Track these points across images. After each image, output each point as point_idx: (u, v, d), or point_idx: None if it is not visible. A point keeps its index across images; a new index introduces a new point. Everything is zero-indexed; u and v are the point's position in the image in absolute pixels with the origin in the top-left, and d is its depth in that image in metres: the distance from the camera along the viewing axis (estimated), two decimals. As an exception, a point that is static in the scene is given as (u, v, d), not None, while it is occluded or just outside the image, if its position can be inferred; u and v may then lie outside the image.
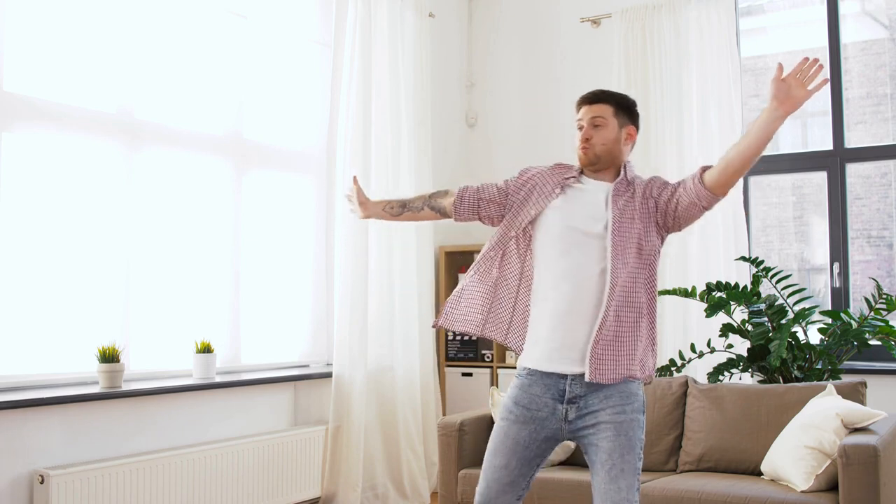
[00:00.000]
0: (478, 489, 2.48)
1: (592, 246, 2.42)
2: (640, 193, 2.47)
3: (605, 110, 2.54)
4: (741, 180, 4.66)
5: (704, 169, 2.41)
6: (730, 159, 2.33)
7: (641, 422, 2.39)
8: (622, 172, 2.51)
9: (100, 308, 3.58)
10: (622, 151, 2.54)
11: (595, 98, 2.57)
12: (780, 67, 2.31)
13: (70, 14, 3.53)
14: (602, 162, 2.52)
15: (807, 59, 2.29)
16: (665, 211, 2.45)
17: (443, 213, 2.69)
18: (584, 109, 2.58)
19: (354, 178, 2.87)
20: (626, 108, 2.57)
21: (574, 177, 2.55)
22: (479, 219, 2.68)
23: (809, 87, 2.28)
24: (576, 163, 2.59)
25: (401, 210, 2.74)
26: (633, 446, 2.35)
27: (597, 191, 2.50)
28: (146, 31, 3.79)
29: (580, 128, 2.57)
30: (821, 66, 2.29)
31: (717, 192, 2.38)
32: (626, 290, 2.39)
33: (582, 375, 2.36)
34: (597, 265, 2.40)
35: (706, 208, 2.41)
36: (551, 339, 2.41)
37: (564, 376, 2.39)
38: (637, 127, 2.60)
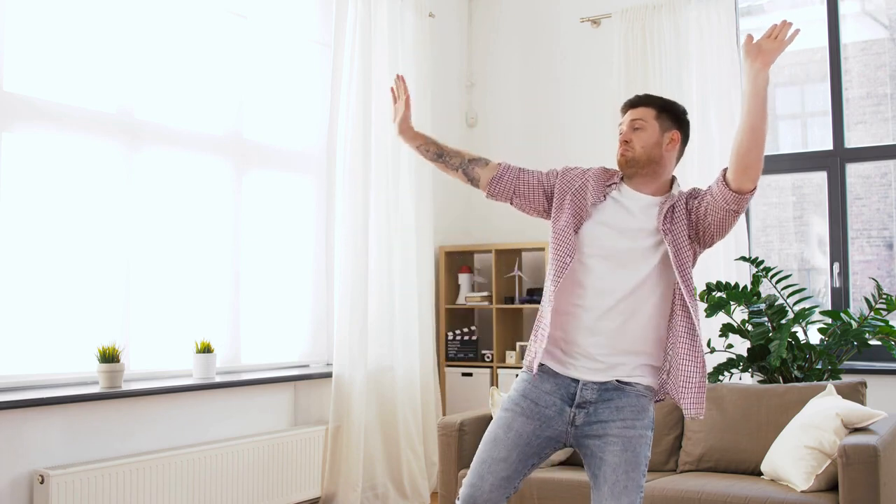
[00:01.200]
0: (467, 481, 2.35)
1: (638, 261, 2.33)
2: (680, 208, 2.37)
3: (647, 113, 2.47)
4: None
5: (725, 170, 2.30)
6: (738, 142, 2.22)
7: (649, 438, 2.33)
8: (671, 193, 2.40)
9: (100, 308, 3.58)
10: (664, 157, 2.42)
11: (638, 101, 2.52)
12: (750, 37, 2.24)
13: (70, 14, 3.53)
14: (640, 165, 2.41)
15: (775, 25, 2.24)
16: (697, 223, 2.35)
17: (475, 184, 2.56)
18: (627, 114, 2.52)
19: (400, 76, 2.67)
20: (670, 112, 2.48)
21: (615, 184, 2.44)
22: (511, 203, 2.55)
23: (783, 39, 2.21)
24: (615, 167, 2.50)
25: (436, 157, 2.60)
26: (638, 463, 2.29)
27: (644, 204, 2.40)
28: (146, 31, 3.79)
29: (620, 133, 2.49)
30: (789, 25, 2.23)
31: (743, 188, 2.25)
32: (681, 312, 2.32)
33: (594, 382, 2.30)
34: (640, 281, 2.32)
35: (737, 212, 2.29)
36: (575, 345, 2.34)
37: (577, 381, 2.33)
38: (684, 134, 2.49)
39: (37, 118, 3.39)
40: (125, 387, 3.45)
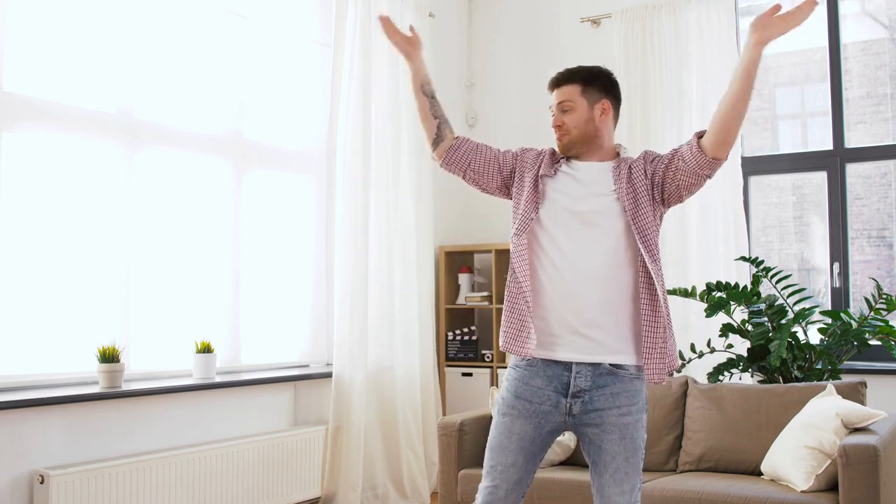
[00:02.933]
0: (483, 488, 2.36)
1: (601, 225, 2.34)
2: (638, 172, 2.39)
3: (573, 91, 2.47)
4: (742, 180, 4.68)
5: (699, 135, 2.31)
6: (722, 111, 2.22)
7: (644, 420, 2.34)
8: (618, 158, 2.43)
9: (100, 308, 3.58)
10: (599, 129, 2.44)
11: (561, 79, 2.51)
12: (777, 7, 2.19)
13: (70, 14, 3.53)
14: (579, 144, 2.43)
15: (800, 8, 2.18)
16: (663, 184, 2.38)
17: (436, 143, 2.55)
18: (553, 94, 2.51)
19: (412, 28, 2.70)
20: (595, 83, 2.49)
21: (563, 159, 2.46)
22: (464, 177, 2.54)
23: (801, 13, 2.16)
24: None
25: (431, 95, 2.63)
26: (637, 448, 2.31)
27: (594, 171, 2.41)
28: (146, 31, 3.79)
29: (552, 113, 2.50)
30: (815, 4, 2.16)
31: (718, 155, 2.28)
32: (643, 274, 2.32)
33: (587, 365, 2.27)
34: (607, 248, 2.33)
35: (709, 176, 2.35)
36: (557, 322, 2.31)
37: (569, 366, 2.29)
38: (614, 98, 2.49)
39: (37, 118, 3.39)
40: (125, 387, 3.44)
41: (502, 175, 2.51)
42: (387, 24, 2.60)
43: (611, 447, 2.28)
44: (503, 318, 2.38)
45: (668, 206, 2.46)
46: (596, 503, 2.34)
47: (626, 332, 2.32)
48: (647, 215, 2.37)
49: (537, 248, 2.36)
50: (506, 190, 2.51)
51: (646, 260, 2.32)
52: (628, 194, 2.35)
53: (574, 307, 2.30)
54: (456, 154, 2.53)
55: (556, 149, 2.48)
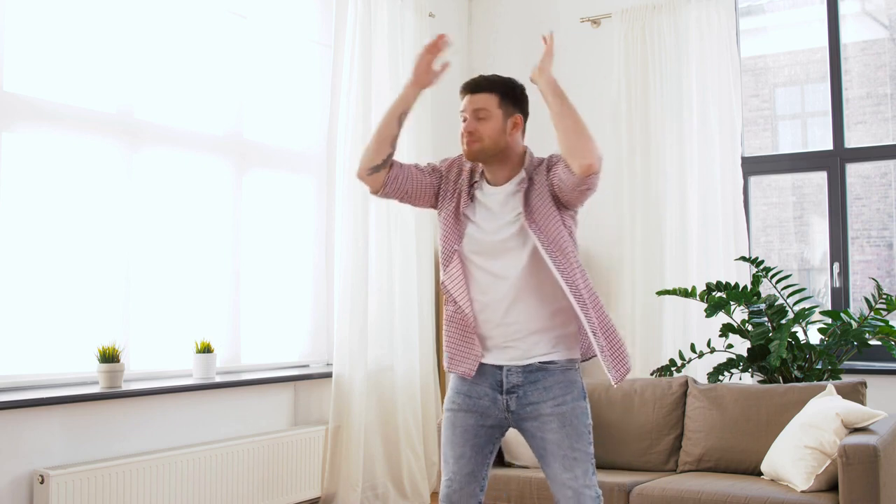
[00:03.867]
0: (442, 481, 2.49)
1: (515, 249, 2.39)
2: (540, 185, 2.42)
3: (490, 101, 2.47)
4: (741, 180, 4.68)
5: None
6: (557, 136, 2.35)
7: (584, 407, 2.40)
8: (522, 172, 2.45)
9: (100, 308, 3.58)
10: (509, 143, 2.47)
11: (478, 86, 2.50)
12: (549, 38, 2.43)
13: (70, 14, 3.53)
14: (488, 155, 2.45)
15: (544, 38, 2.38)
16: (557, 195, 2.41)
17: (374, 167, 2.55)
18: (466, 99, 2.49)
19: (446, 64, 2.58)
20: (512, 96, 2.51)
21: (477, 182, 2.49)
22: (400, 201, 2.59)
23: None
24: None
25: (398, 129, 2.58)
26: (581, 434, 2.37)
27: (503, 196, 2.44)
28: (146, 31, 3.79)
29: (463, 119, 2.48)
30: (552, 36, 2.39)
31: (585, 171, 2.30)
32: (549, 282, 2.37)
33: (517, 366, 2.38)
34: (521, 266, 2.39)
35: (591, 190, 2.35)
36: (487, 338, 2.42)
37: (500, 367, 2.40)
38: (525, 114, 2.53)
39: (37, 118, 3.39)
40: (125, 387, 3.44)
41: (434, 194, 2.55)
42: (433, 48, 2.56)
43: (553, 436, 2.36)
44: (444, 338, 2.49)
45: (574, 209, 2.49)
46: (553, 492, 2.39)
47: (557, 336, 2.41)
48: (554, 228, 2.39)
49: (465, 271, 2.44)
50: (436, 204, 2.56)
51: (555, 273, 2.36)
52: (534, 216, 2.39)
53: (501, 324, 2.40)
54: (393, 185, 2.53)
55: (464, 156, 2.48)
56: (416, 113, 4.91)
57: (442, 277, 2.47)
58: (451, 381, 2.51)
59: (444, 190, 2.53)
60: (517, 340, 2.39)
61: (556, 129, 2.34)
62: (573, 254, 2.40)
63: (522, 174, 2.46)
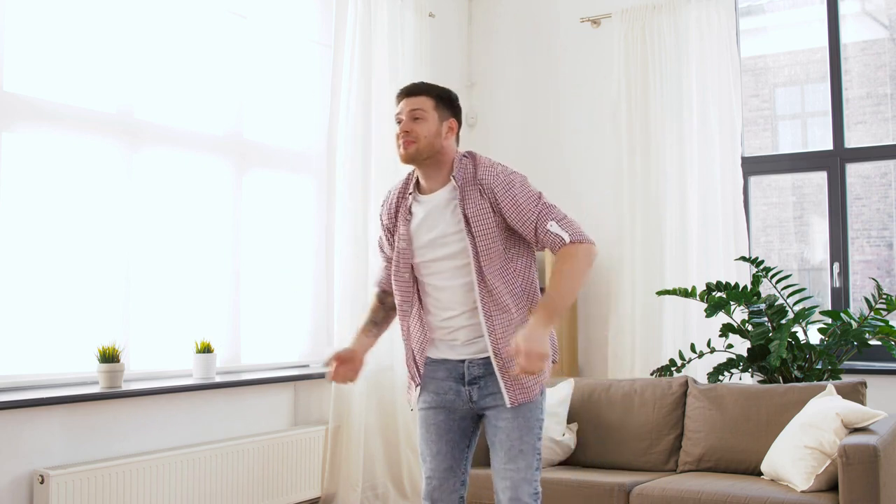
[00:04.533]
0: (423, 479, 2.56)
1: (456, 259, 2.45)
2: (473, 200, 2.43)
3: (425, 103, 2.49)
4: (741, 180, 4.68)
5: (560, 245, 2.39)
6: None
7: (540, 403, 2.47)
8: (452, 180, 2.46)
9: (100, 308, 3.58)
10: (444, 147, 2.48)
11: (415, 90, 2.52)
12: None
13: (70, 14, 3.53)
14: (423, 157, 2.46)
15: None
16: (505, 221, 2.44)
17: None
18: (402, 102, 2.52)
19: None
20: (447, 101, 2.52)
21: (412, 193, 2.53)
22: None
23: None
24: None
25: (375, 328, 2.71)
26: (531, 427, 2.42)
27: (440, 206, 2.48)
28: (146, 31, 3.79)
29: (399, 121, 2.51)
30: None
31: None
32: (496, 288, 2.41)
33: (478, 359, 2.45)
34: (465, 276, 2.44)
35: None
36: (444, 338, 2.52)
37: (462, 360, 2.49)
38: (459, 120, 2.56)
39: (37, 118, 3.39)
40: (125, 387, 3.44)
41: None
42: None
43: (505, 425, 2.42)
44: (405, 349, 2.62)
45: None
46: (494, 483, 2.44)
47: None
48: (489, 243, 2.41)
49: (417, 283, 2.55)
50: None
51: (479, 290, 2.41)
52: (470, 227, 2.42)
53: (460, 328, 2.48)
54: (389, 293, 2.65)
55: (400, 159, 2.50)
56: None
57: (394, 289, 2.57)
58: (423, 380, 2.58)
59: (393, 226, 2.58)
60: (477, 338, 2.46)
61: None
62: (511, 270, 2.44)
63: (452, 182, 2.47)
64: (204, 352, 3.78)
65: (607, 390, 3.95)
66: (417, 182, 2.55)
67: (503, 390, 2.42)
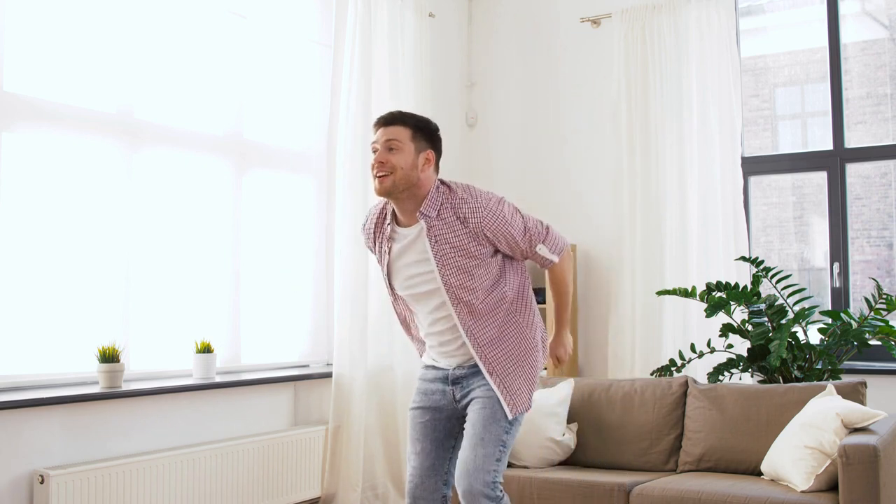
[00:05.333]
0: (407, 478, 2.68)
1: (434, 296, 2.56)
2: (468, 226, 2.48)
3: (402, 133, 2.49)
4: (741, 180, 4.69)
5: (550, 263, 2.63)
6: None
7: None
8: (423, 216, 2.50)
9: (100, 308, 3.58)
10: (420, 179, 2.49)
11: (392, 120, 2.53)
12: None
13: (70, 14, 3.53)
14: (399, 190, 2.48)
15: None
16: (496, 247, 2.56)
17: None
18: (379, 132, 2.53)
19: None
20: (424, 132, 2.53)
21: (389, 224, 2.60)
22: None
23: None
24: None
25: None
26: (497, 419, 2.49)
27: (412, 236, 2.54)
28: (146, 31, 3.79)
29: (374, 150, 2.52)
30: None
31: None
32: (479, 309, 2.53)
33: (463, 365, 2.60)
34: (444, 308, 2.56)
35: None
36: (434, 347, 2.68)
37: (447, 369, 2.66)
38: (437, 152, 2.56)
39: (37, 118, 3.39)
40: (125, 387, 3.44)
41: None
42: None
43: (473, 415, 2.52)
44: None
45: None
46: (455, 475, 2.51)
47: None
48: (464, 274, 2.49)
49: (405, 307, 2.76)
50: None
51: (455, 318, 2.54)
52: (439, 258, 2.50)
53: (451, 350, 2.63)
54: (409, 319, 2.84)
55: (376, 193, 2.53)
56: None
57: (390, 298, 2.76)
58: (417, 383, 2.75)
59: (376, 250, 2.69)
60: (461, 354, 2.62)
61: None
62: (500, 285, 2.56)
63: (423, 214, 2.51)
64: (204, 352, 3.78)
65: (607, 390, 3.95)
66: (395, 212, 2.58)
67: (502, 401, 2.52)
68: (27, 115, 3.35)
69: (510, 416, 2.49)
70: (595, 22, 5.24)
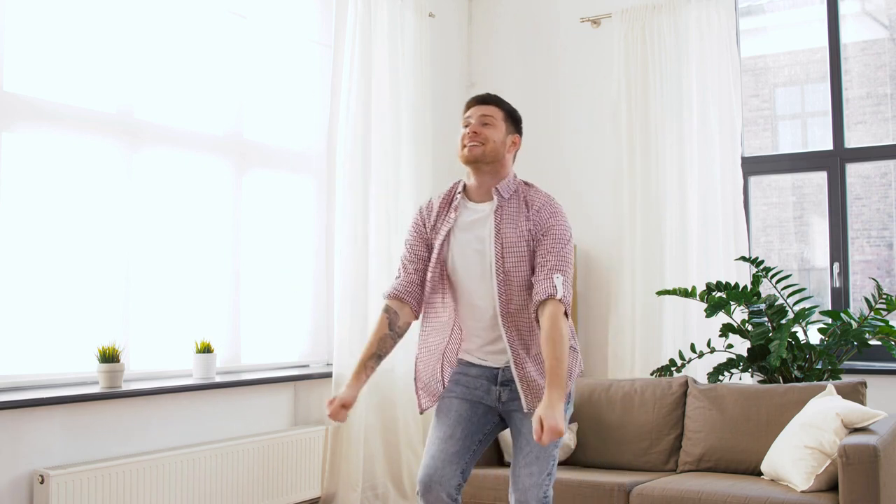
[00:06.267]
0: (422, 464, 2.57)
1: (483, 271, 2.53)
2: (534, 220, 2.52)
3: (496, 112, 2.59)
4: (742, 180, 4.69)
5: (543, 303, 2.43)
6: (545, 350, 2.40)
7: (565, 412, 2.49)
8: (497, 192, 2.55)
9: (100, 308, 3.58)
10: (505, 158, 2.59)
11: (487, 99, 2.62)
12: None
13: (70, 14, 3.53)
14: (486, 161, 2.55)
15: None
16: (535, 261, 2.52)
17: (407, 327, 2.67)
18: (473, 108, 2.61)
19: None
20: (514, 118, 2.63)
21: (457, 196, 2.62)
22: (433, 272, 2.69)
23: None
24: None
25: (378, 361, 2.63)
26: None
27: (482, 215, 2.57)
28: (146, 31, 3.79)
29: (466, 125, 2.59)
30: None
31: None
32: (521, 303, 2.50)
33: (510, 366, 2.54)
34: (490, 287, 2.53)
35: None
36: (482, 347, 2.62)
37: (497, 367, 2.60)
38: (520, 139, 2.66)
39: (37, 118, 3.39)
40: (125, 387, 3.44)
41: (428, 247, 2.68)
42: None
43: (528, 431, 2.48)
44: (419, 359, 2.71)
45: None
46: (510, 484, 2.51)
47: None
48: (516, 258, 2.51)
49: (454, 293, 2.63)
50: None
51: (499, 302, 2.51)
52: (501, 240, 2.52)
53: (494, 348, 2.60)
54: (420, 303, 2.67)
55: (464, 160, 2.58)
56: (418, 135, 4.92)
57: (428, 293, 2.63)
58: (452, 375, 2.67)
59: (432, 230, 2.66)
60: (501, 354, 2.59)
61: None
62: (525, 283, 2.51)
63: (495, 197, 2.57)
64: (204, 352, 3.78)
65: (607, 390, 3.95)
66: (465, 190, 2.63)
67: (521, 397, 2.52)
68: (27, 115, 3.35)
69: (525, 409, 2.52)
70: (595, 22, 5.24)
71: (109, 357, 3.37)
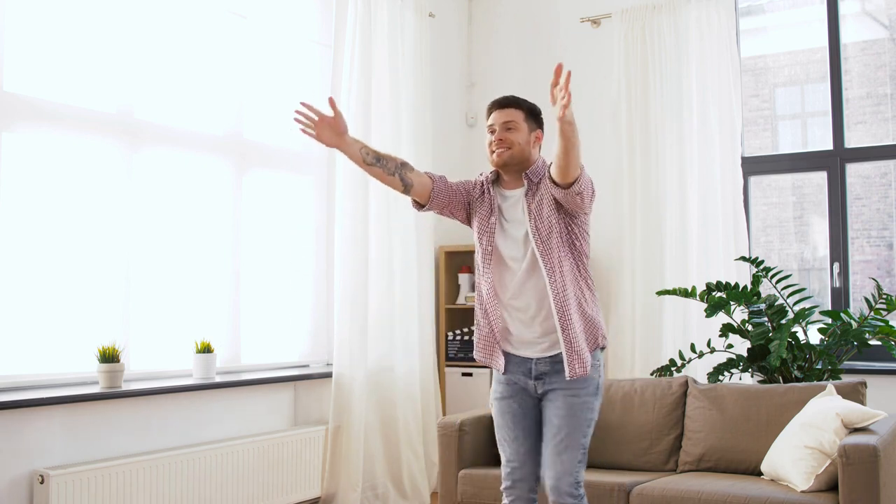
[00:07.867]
0: (504, 462, 2.76)
1: (528, 256, 2.66)
2: (544, 192, 2.67)
3: (517, 115, 2.73)
4: (742, 180, 4.69)
5: (549, 172, 2.63)
6: (556, 155, 2.52)
7: (592, 403, 2.69)
8: (527, 177, 2.71)
9: (100, 308, 3.58)
10: (531, 154, 2.74)
11: (507, 103, 2.75)
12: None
13: (70, 14, 3.53)
14: (514, 163, 2.71)
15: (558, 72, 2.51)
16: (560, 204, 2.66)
17: (407, 190, 2.76)
18: (495, 114, 2.75)
19: (331, 99, 2.92)
20: (534, 115, 2.78)
21: (491, 185, 2.78)
22: (440, 213, 2.85)
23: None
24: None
25: (374, 161, 2.75)
26: (580, 425, 2.64)
27: (514, 199, 2.73)
28: (146, 31, 3.79)
29: (492, 131, 2.73)
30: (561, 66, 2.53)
31: (568, 181, 2.55)
32: (563, 285, 2.62)
33: (545, 357, 2.67)
34: (535, 272, 2.65)
35: (580, 193, 2.59)
36: (516, 335, 2.73)
37: (530, 358, 2.71)
38: (543, 133, 2.80)
39: (37, 118, 3.39)
40: (125, 387, 3.44)
41: (466, 209, 2.83)
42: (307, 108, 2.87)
43: (558, 421, 2.65)
44: (476, 335, 2.80)
45: (580, 217, 2.72)
46: (542, 469, 2.69)
47: (579, 329, 2.65)
48: (546, 229, 2.65)
49: (496, 275, 2.73)
50: (468, 220, 2.85)
51: (547, 280, 2.63)
52: (533, 217, 2.67)
53: (531, 330, 2.70)
54: (437, 200, 2.79)
55: (493, 164, 2.74)
56: (419, 125, 4.92)
57: (479, 280, 2.76)
58: (496, 373, 2.80)
59: (475, 203, 2.80)
60: (544, 337, 2.68)
61: (563, 155, 2.51)
62: (570, 257, 2.66)
63: (525, 181, 2.73)
64: (204, 352, 3.78)
65: (607, 390, 3.95)
66: (498, 178, 2.80)
67: (565, 361, 2.60)
68: (27, 115, 3.36)
69: (568, 376, 2.60)
70: (595, 22, 5.24)
71: (109, 357, 3.37)
